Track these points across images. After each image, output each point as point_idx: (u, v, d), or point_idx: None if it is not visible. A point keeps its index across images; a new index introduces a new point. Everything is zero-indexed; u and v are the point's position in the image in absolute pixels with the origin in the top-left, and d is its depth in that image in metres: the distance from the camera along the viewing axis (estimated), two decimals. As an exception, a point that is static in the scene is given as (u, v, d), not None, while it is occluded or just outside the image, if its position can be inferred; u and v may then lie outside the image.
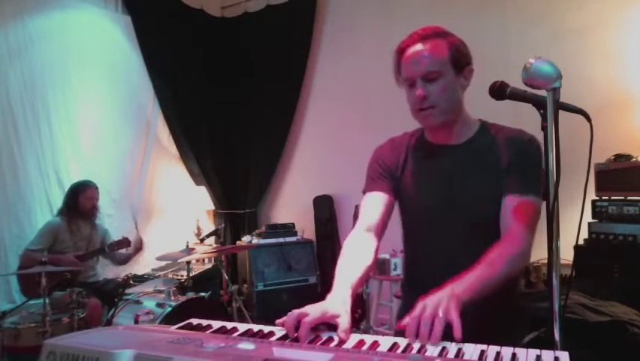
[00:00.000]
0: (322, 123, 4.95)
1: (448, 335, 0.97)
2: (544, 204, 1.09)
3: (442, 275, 1.10)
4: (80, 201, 3.60)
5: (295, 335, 1.00)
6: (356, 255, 1.32)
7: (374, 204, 1.42)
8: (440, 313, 0.97)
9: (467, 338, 0.94)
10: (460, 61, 1.31)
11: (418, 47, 1.30)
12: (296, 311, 1.05)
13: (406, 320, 1.00)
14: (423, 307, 1.00)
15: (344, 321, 1.04)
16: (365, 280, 1.27)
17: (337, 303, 1.11)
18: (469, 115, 1.40)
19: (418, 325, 0.97)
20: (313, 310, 1.05)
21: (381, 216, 1.40)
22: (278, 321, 1.07)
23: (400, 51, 1.34)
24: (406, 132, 1.50)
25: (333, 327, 1.05)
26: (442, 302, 0.99)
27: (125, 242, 3.69)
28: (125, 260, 3.83)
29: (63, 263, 3.25)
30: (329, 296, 1.16)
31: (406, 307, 1.33)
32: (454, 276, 1.10)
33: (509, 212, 1.26)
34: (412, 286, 1.48)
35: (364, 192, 1.47)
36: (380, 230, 1.40)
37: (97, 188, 3.71)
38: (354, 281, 1.23)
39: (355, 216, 3.31)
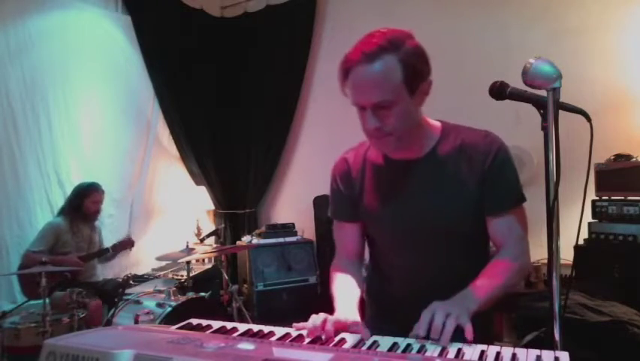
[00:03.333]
0: (322, 123, 4.94)
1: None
2: (544, 205, 1.09)
3: (409, 289, 1.11)
4: (85, 204, 3.60)
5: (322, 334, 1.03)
6: (348, 281, 1.31)
7: (346, 236, 1.41)
8: (452, 317, 0.97)
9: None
10: (415, 79, 1.14)
11: (364, 70, 1.11)
12: (320, 315, 1.07)
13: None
14: (433, 311, 1.00)
15: (362, 328, 1.07)
16: (362, 304, 1.27)
17: (352, 312, 1.14)
18: (428, 123, 1.29)
19: (429, 326, 0.97)
20: (334, 316, 1.09)
21: (356, 245, 1.40)
22: (297, 325, 1.08)
23: (344, 69, 1.15)
24: (362, 143, 1.39)
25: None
26: (453, 310, 1.00)
27: (128, 242, 3.70)
28: (110, 258, 3.82)
29: (66, 264, 3.25)
30: (337, 310, 1.18)
31: (372, 319, 1.35)
32: (421, 290, 1.10)
33: (502, 229, 1.24)
34: (377, 299, 1.46)
35: (331, 217, 1.44)
36: (360, 255, 1.40)
37: (103, 191, 3.72)
38: (356, 301, 1.24)
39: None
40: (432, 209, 1.26)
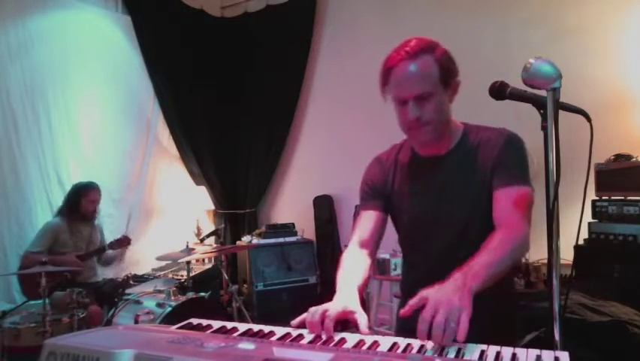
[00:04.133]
0: (322, 123, 4.95)
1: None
2: (544, 205, 1.09)
3: (437, 281, 1.10)
4: (81, 203, 3.60)
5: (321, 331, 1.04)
6: (354, 267, 1.36)
7: (366, 221, 1.49)
8: (452, 324, 0.94)
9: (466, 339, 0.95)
10: (448, 76, 1.31)
11: (407, 66, 1.27)
12: (317, 308, 1.09)
13: (415, 314, 0.99)
14: (434, 310, 0.97)
15: (362, 318, 1.09)
16: (363, 289, 1.30)
17: (351, 300, 1.16)
18: (454, 122, 1.42)
19: (428, 328, 0.96)
20: (333, 307, 1.10)
21: (373, 232, 1.47)
22: (294, 322, 1.09)
23: (388, 69, 1.31)
24: (393, 145, 1.54)
25: (345, 328, 1.08)
26: (453, 307, 0.96)
27: (124, 241, 3.69)
28: (110, 260, 3.81)
29: (65, 264, 3.25)
30: (337, 296, 1.19)
31: (403, 305, 1.35)
32: (446, 277, 1.08)
33: (503, 204, 1.28)
34: (410, 291, 1.49)
35: (359, 206, 1.54)
36: (373, 245, 1.47)
37: (99, 189, 3.71)
38: (358, 286, 1.27)
39: (355, 216, 3.31)
40: (456, 200, 1.37)
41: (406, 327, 1.05)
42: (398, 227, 1.53)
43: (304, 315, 1.09)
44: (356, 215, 3.35)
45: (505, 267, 1.14)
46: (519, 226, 1.22)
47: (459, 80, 1.36)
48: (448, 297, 0.98)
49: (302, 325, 1.09)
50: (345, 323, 1.11)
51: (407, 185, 1.45)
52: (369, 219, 1.48)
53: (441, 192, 1.39)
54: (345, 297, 1.18)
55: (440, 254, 1.38)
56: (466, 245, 1.27)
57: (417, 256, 1.49)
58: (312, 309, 1.09)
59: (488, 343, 0.93)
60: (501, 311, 1.31)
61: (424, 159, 1.43)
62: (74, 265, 3.33)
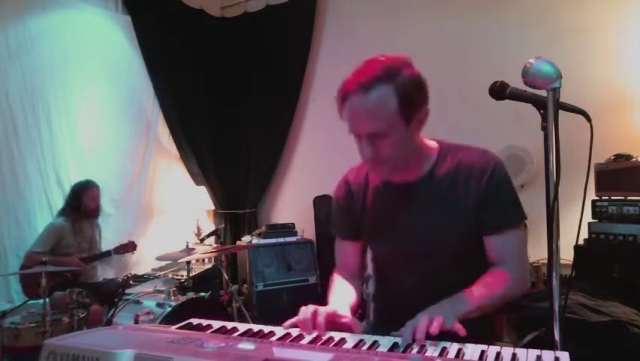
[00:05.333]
0: (322, 123, 4.94)
1: (446, 335, 0.98)
2: (544, 205, 1.09)
3: (410, 303, 1.11)
4: (83, 201, 3.60)
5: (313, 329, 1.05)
6: (345, 288, 1.35)
7: (347, 255, 1.45)
8: (435, 322, 0.98)
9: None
10: (410, 110, 1.15)
11: (360, 99, 1.12)
12: (308, 307, 1.09)
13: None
14: (418, 318, 1.02)
15: (355, 321, 1.11)
16: (355, 310, 1.30)
17: (342, 307, 1.17)
18: (426, 145, 1.31)
19: (413, 330, 0.98)
20: (324, 308, 1.11)
21: (356, 261, 1.44)
22: (286, 324, 1.09)
23: (342, 98, 1.18)
24: (362, 165, 1.41)
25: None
26: (437, 312, 1.02)
27: (130, 246, 3.69)
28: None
29: (67, 264, 3.25)
30: (330, 304, 1.21)
31: (374, 329, 1.36)
32: (422, 304, 1.10)
33: (499, 250, 1.25)
34: (381, 310, 1.51)
35: (334, 234, 1.49)
36: (360, 270, 1.45)
37: (99, 187, 3.71)
38: (350, 302, 1.27)
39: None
40: (430, 230, 1.27)
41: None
42: (370, 248, 1.47)
43: (295, 318, 1.09)
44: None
45: (495, 302, 1.16)
46: (520, 268, 1.24)
47: (427, 109, 1.21)
48: (436, 307, 1.04)
49: (293, 327, 1.09)
50: (337, 327, 1.11)
51: (377, 211, 1.36)
52: (348, 252, 1.45)
53: (412, 223, 1.29)
54: (337, 304, 1.19)
55: (413, 282, 1.32)
56: (444, 277, 1.25)
57: (390, 281, 1.44)
58: (304, 308, 1.09)
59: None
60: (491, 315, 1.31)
61: (394, 186, 1.32)
62: (76, 266, 3.33)
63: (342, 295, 1.27)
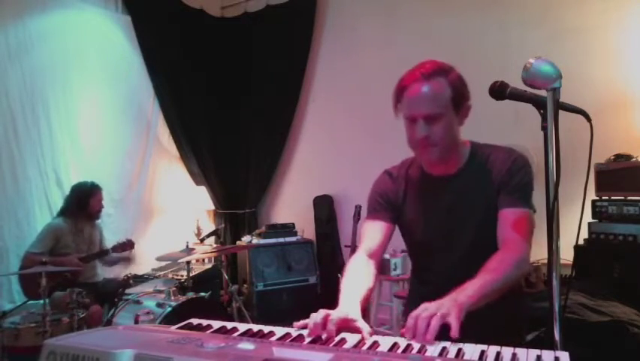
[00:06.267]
0: (322, 123, 4.95)
1: (446, 335, 0.97)
2: (544, 205, 1.09)
3: (444, 292, 1.13)
4: (91, 204, 3.60)
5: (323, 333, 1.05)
6: (359, 277, 1.38)
7: (375, 232, 1.51)
8: (438, 314, 0.99)
9: (468, 338, 0.95)
10: (459, 99, 1.34)
11: (420, 86, 1.31)
12: (319, 312, 1.10)
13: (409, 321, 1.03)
14: (423, 309, 1.03)
15: (365, 327, 1.09)
16: (367, 301, 1.32)
17: (353, 309, 1.17)
18: (462, 142, 1.46)
19: (416, 323, 0.99)
20: (335, 312, 1.11)
21: (381, 244, 1.49)
22: (297, 324, 1.10)
23: (402, 88, 1.35)
24: (403, 161, 1.57)
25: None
26: (442, 306, 1.02)
27: (128, 244, 3.69)
28: (116, 261, 3.81)
29: (66, 264, 3.25)
30: (340, 305, 1.20)
31: None
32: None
33: (505, 225, 1.32)
34: (416, 300, 1.51)
35: (367, 216, 1.55)
36: (379, 255, 1.50)
37: (102, 190, 3.73)
38: (361, 298, 1.28)
39: (355, 216, 3.30)
40: (466, 220, 1.40)
41: None
42: (408, 243, 1.56)
43: (306, 320, 1.10)
44: (356, 215, 3.34)
45: (501, 286, 1.18)
46: (518, 248, 1.26)
47: (470, 105, 1.38)
48: (439, 303, 1.04)
49: (304, 328, 1.09)
50: (348, 331, 1.11)
51: (418, 203, 1.49)
52: (378, 230, 1.50)
53: (451, 212, 1.42)
54: (347, 306, 1.19)
55: (450, 273, 1.36)
56: (476, 264, 1.27)
57: (428, 274, 1.52)
58: (314, 314, 1.10)
59: (494, 342, 0.94)
60: (506, 311, 1.32)
61: (434, 178, 1.46)
62: (75, 266, 3.33)
63: (354, 291, 1.28)
